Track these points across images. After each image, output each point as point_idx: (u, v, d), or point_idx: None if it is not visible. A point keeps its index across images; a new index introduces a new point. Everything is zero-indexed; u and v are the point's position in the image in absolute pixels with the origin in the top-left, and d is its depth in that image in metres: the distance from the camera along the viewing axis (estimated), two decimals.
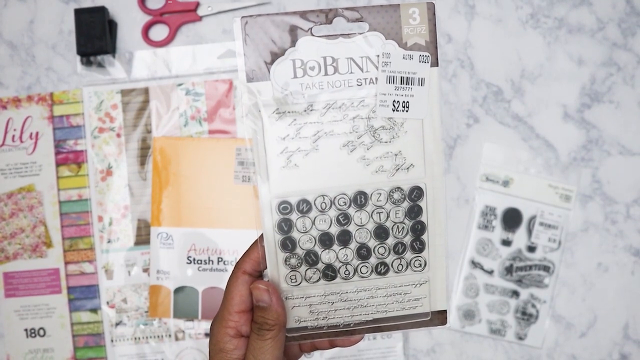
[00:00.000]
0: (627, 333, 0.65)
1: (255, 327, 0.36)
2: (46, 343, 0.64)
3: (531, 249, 0.64)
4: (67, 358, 0.64)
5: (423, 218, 0.38)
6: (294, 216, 0.37)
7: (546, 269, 0.64)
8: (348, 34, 0.36)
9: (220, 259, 0.62)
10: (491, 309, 0.64)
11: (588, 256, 0.65)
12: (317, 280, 0.38)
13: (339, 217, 0.37)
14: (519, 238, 0.65)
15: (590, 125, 0.65)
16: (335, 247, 0.38)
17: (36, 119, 0.64)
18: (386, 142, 0.37)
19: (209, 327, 0.38)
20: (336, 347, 0.40)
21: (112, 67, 0.64)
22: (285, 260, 0.37)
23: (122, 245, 0.64)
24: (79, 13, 0.63)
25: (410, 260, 0.38)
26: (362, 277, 0.38)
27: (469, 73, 0.65)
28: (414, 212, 0.38)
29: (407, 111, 0.37)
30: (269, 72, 0.36)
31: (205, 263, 0.62)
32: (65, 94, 0.65)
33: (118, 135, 0.64)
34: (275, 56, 0.35)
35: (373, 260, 0.38)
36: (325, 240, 0.37)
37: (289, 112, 0.36)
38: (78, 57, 0.64)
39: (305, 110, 0.36)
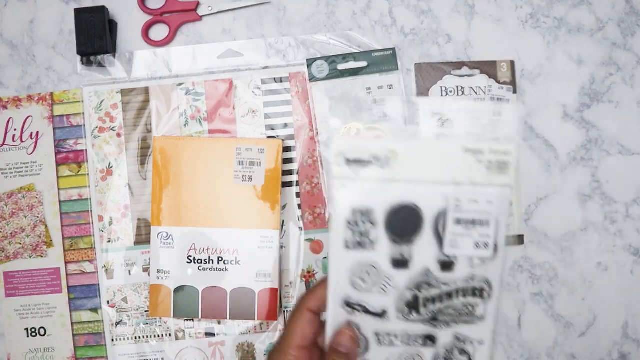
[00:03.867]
0: (626, 332, 0.65)
1: None
2: (47, 342, 0.64)
3: (446, 265, 0.37)
4: (67, 357, 0.64)
5: None
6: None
7: (478, 292, 0.37)
8: (469, 75, 0.63)
9: (220, 259, 0.62)
10: None
11: (587, 256, 0.65)
12: None
13: None
14: (422, 251, 0.37)
15: (589, 125, 0.65)
16: None
17: (36, 118, 0.64)
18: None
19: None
20: None
21: (113, 67, 0.64)
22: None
23: (122, 244, 0.64)
24: (79, 13, 0.63)
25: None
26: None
27: None
28: None
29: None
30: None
31: (206, 262, 0.62)
32: (65, 94, 0.65)
33: (118, 135, 0.64)
34: None
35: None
36: None
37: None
38: (78, 57, 0.64)
39: None
